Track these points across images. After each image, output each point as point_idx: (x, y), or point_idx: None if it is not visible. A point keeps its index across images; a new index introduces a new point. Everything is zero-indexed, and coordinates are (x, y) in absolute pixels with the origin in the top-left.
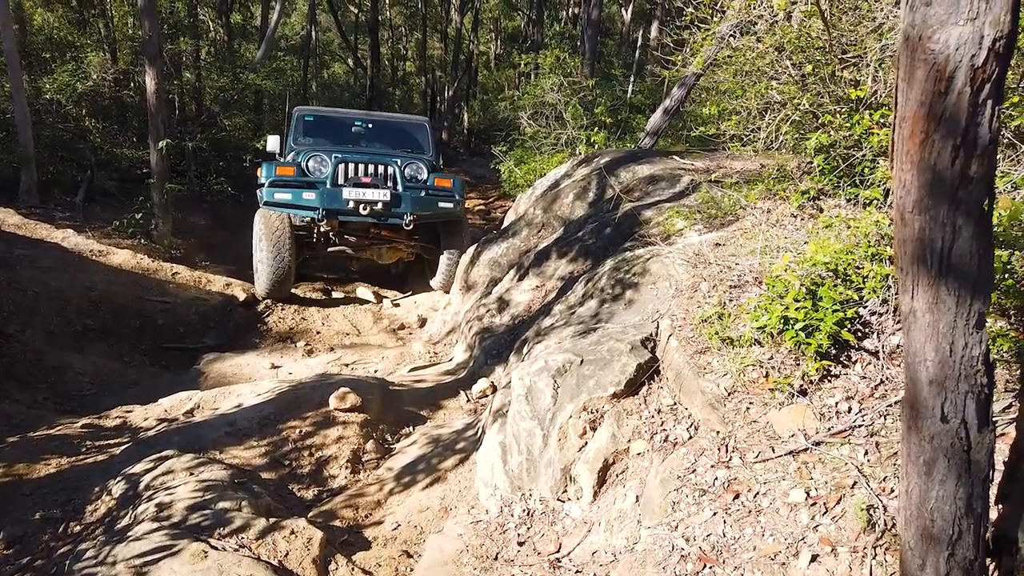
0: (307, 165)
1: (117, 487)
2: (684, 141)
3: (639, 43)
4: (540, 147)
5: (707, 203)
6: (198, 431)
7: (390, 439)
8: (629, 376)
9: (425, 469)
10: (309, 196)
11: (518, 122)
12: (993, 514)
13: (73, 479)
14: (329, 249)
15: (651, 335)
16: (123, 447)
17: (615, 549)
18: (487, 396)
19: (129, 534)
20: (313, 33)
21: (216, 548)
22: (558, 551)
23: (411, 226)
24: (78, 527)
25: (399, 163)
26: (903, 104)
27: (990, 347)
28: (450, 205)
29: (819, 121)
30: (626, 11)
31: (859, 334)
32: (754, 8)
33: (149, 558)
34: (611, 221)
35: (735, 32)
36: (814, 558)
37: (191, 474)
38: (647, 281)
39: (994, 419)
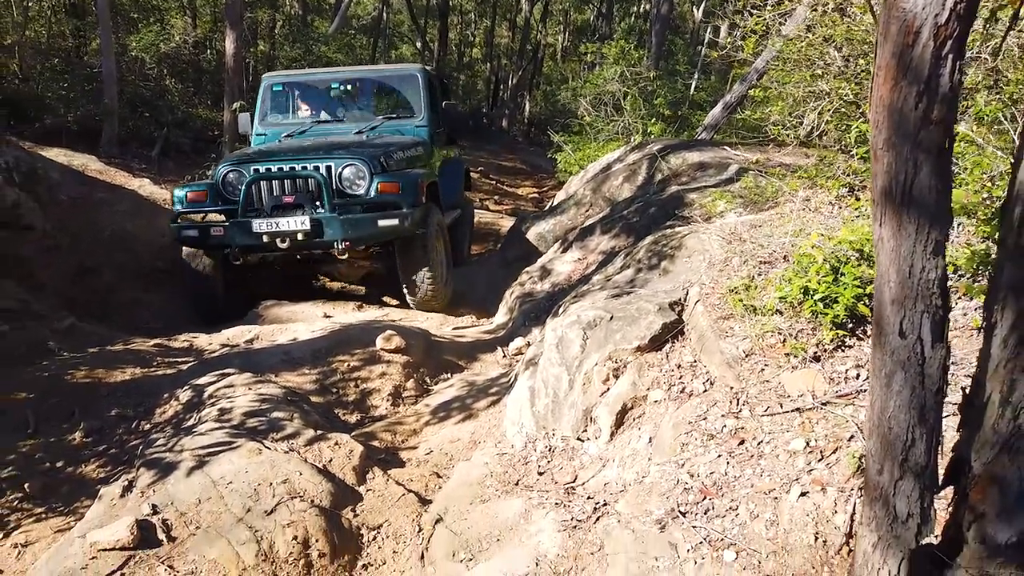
0: (224, 182)
1: (184, 394)
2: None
3: (706, 41)
4: (597, 135)
5: (750, 189)
6: (256, 357)
7: (429, 381)
8: (654, 332)
9: (459, 407)
10: (217, 232)
11: (578, 111)
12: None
13: (145, 386)
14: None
15: (680, 300)
16: (189, 364)
17: (625, 481)
18: (522, 353)
19: (194, 431)
20: (385, 14)
21: (269, 448)
22: (573, 481)
23: (345, 254)
24: (148, 425)
25: (332, 168)
26: (880, 56)
27: (947, 274)
28: (393, 222)
29: (861, 111)
30: (697, 9)
31: None
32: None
33: (211, 449)
34: (656, 202)
35: (783, 19)
36: (803, 494)
37: (249, 389)
38: (683, 254)
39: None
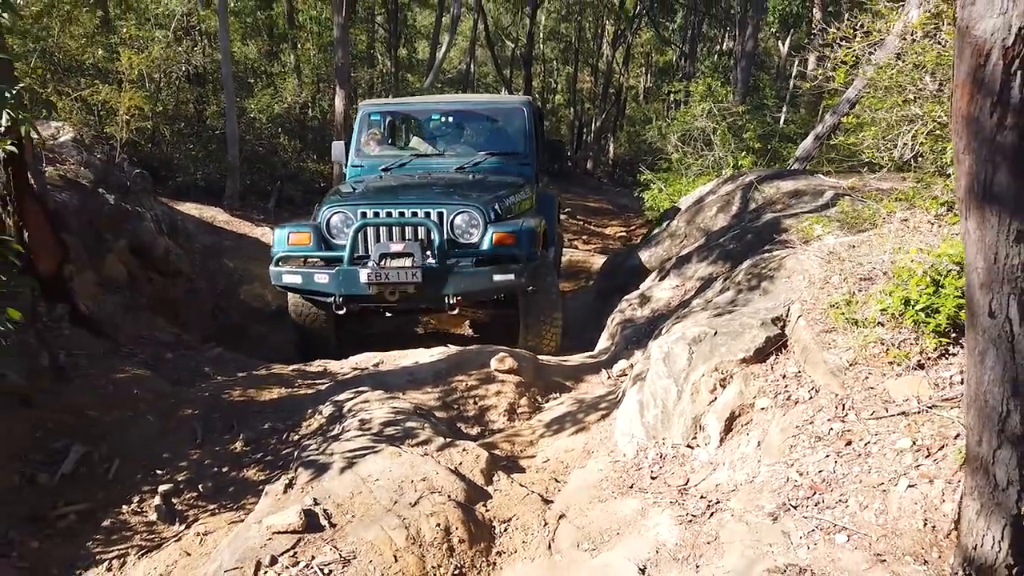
0: (329, 225)
1: (326, 408)
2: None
3: (794, 74)
4: (687, 170)
5: (846, 213)
6: (384, 378)
7: (540, 399)
8: (758, 345)
9: (571, 421)
10: (321, 279)
11: (664, 149)
12: None
13: (290, 404)
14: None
15: (781, 316)
16: (326, 384)
17: (736, 482)
18: (626, 375)
19: (340, 438)
20: (472, 67)
21: (406, 452)
22: (685, 484)
23: (456, 310)
24: (296, 436)
25: (444, 215)
26: (957, 75)
27: None
28: (509, 277)
29: None
30: (783, 44)
31: None
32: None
33: (357, 453)
34: (752, 229)
35: (872, 49)
36: (911, 486)
37: (383, 404)
38: (782, 275)
39: None
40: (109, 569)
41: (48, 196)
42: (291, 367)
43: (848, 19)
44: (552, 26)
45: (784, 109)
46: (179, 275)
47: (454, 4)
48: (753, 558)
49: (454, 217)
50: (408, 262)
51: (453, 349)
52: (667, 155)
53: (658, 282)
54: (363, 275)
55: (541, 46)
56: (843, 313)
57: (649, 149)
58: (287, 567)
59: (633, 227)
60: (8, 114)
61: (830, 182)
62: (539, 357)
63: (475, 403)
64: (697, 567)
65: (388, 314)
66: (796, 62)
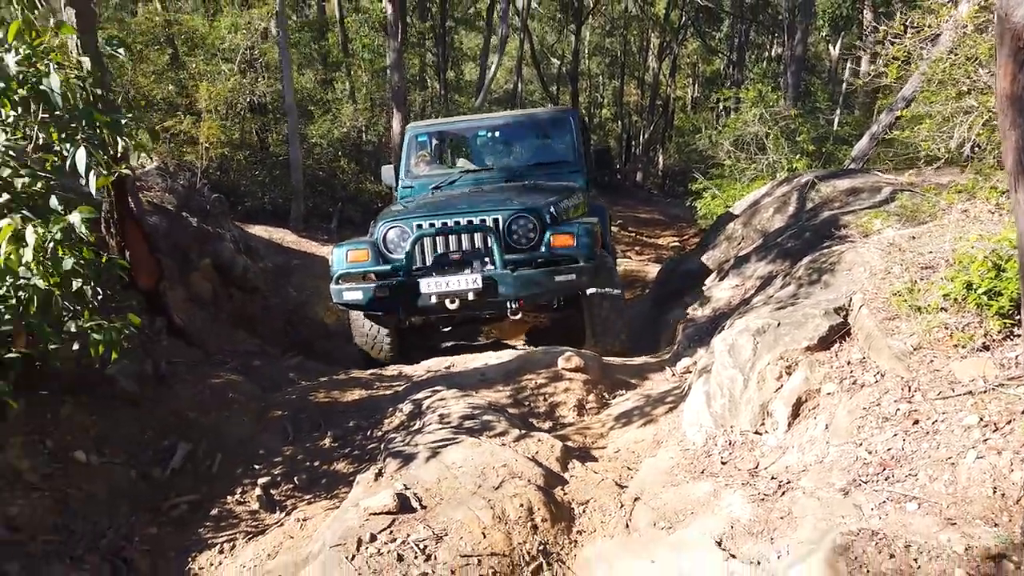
0: (385, 240)
1: (406, 406)
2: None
3: (846, 76)
4: (741, 175)
5: (905, 207)
6: (457, 378)
7: (607, 396)
8: (822, 334)
9: (639, 414)
10: (382, 294)
11: (716, 157)
12: None
13: (370, 403)
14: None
15: (844, 306)
16: (403, 386)
17: (806, 463)
18: (689, 372)
19: (422, 431)
20: (519, 85)
21: (485, 442)
22: (756, 467)
23: (519, 314)
24: (379, 432)
25: (500, 221)
26: (999, 58)
27: None
28: (571, 277)
29: None
30: (834, 47)
31: None
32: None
33: (439, 443)
34: (810, 227)
35: (924, 45)
36: (979, 457)
37: (458, 401)
38: (842, 268)
39: None
40: (221, 552)
41: (144, 219)
42: (369, 371)
43: (900, 17)
44: (597, 41)
45: (837, 112)
46: (256, 292)
47: (502, 25)
48: (825, 529)
49: (510, 223)
50: (467, 270)
51: (520, 351)
52: (719, 162)
53: (717, 283)
54: (423, 286)
55: (587, 61)
56: (906, 300)
57: (700, 158)
58: (385, 543)
59: (686, 236)
60: (124, 141)
61: (887, 178)
62: (603, 357)
63: (545, 400)
64: (772, 539)
65: (447, 328)
66: (848, 64)
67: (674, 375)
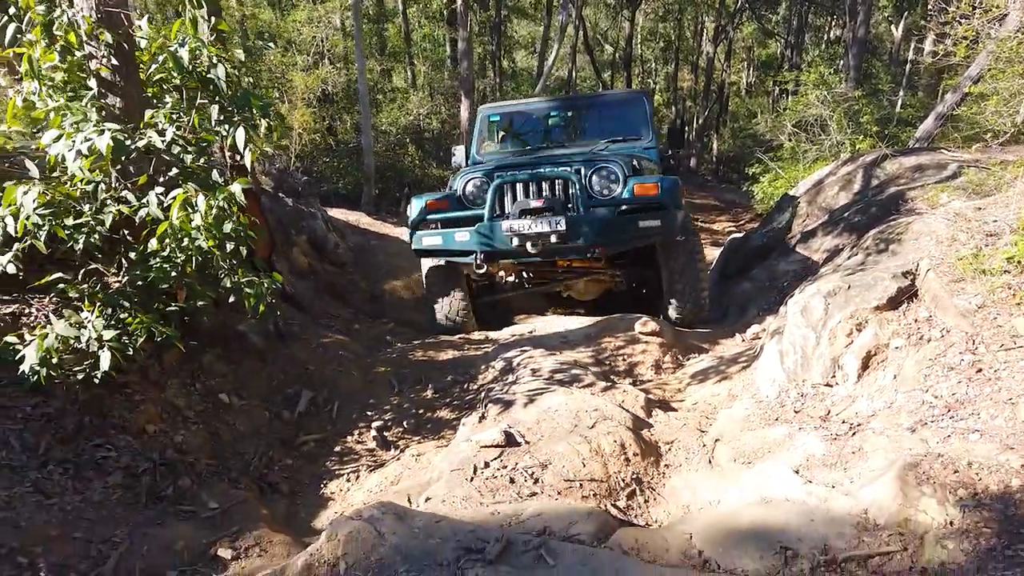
0: (465, 191)
1: (497, 363)
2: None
3: (910, 58)
4: (804, 156)
5: (972, 182)
6: (541, 340)
7: (681, 358)
8: (890, 295)
9: (714, 372)
10: (462, 237)
11: (774, 141)
12: None
13: (464, 361)
14: (507, 293)
15: (911, 270)
16: (492, 347)
17: (874, 409)
18: (758, 338)
19: (516, 383)
20: (573, 72)
21: (576, 391)
22: (827, 414)
23: (601, 260)
24: (475, 385)
25: (582, 172)
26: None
27: None
28: (655, 223)
29: None
30: (897, 28)
31: None
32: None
33: (534, 392)
34: (876, 202)
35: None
36: None
37: (546, 358)
38: (909, 237)
39: None
40: (348, 480)
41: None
42: (457, 336)
43: None
44: (650, 27)
45: (900, 93)
46: (344, 266)
47: (562, 12)
48: (894, 459)
49: (592, 174)
50: (550, 214)
51: (597, 317)
52: (778, 145)
53: (783, 257)
54: (504, 228)
55: (640, 47)
56: (971, 264)
57: (755, 143)
58: (498, 468)
59: (741, 222)
60: (268, 122)
61: (953, 155)
62: (673, 326)
63: (624, 360)
64: (845, 469)
65: (520, 290)
66: (911, 45)
67: (744, 340)
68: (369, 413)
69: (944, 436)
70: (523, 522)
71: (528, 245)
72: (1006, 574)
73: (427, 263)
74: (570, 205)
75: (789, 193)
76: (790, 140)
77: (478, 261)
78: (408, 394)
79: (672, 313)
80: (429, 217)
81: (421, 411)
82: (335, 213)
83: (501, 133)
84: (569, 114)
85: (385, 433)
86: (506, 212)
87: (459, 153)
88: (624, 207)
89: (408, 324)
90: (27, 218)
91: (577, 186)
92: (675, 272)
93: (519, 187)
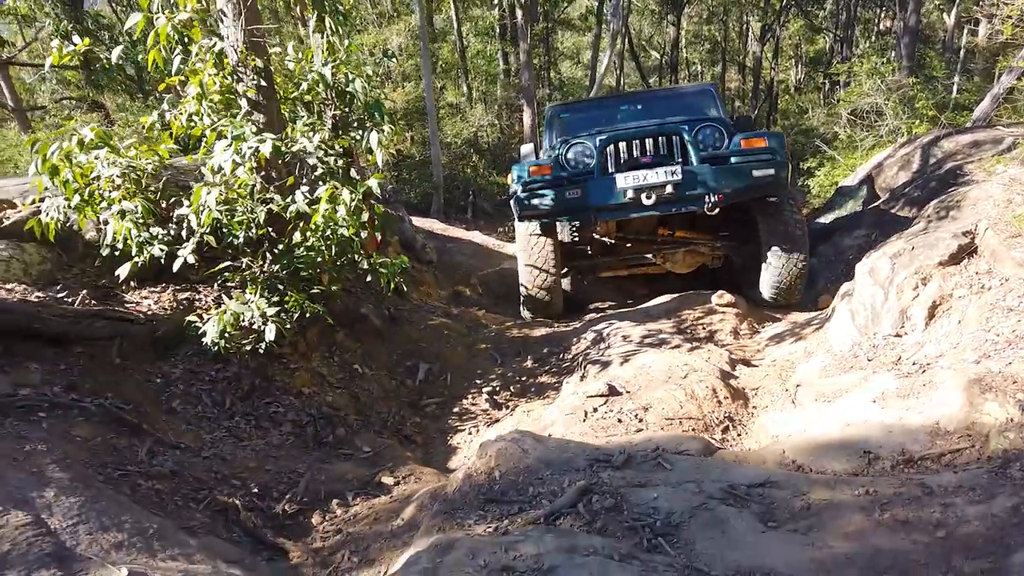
0: (567, 157)
1: (588, 335)
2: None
3: (963, 44)
4: (861, 143)
5: None
6: (625, 315)
7: (757, 326)
8: (952, 251)
9: (789, 335)
10: (573, 194)
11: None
12: None
13: (556, 336)
14: (604, 269)
15: (970, 230)
16: (580, 324)
17: (941, 350)
18: (827, 305)
19: (609, 348)
20: (621, 79)
21: (665, 351)
22: (898, 359)
23: (715, 210)
24: (569, 355)
25: (687, 129)
26: None
27: None
28: (769, 172)
29: None
30: (948, 16)
31: None
32: None
33: (627, 353)
34: (935, 177)
35: None
36: None
37: (633, 328)
38: (967, 203)
39: None
40: (469, 433)
41: None
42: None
43: None
44: (695, 30)
45: (955, 79)
46: (431, 264)
47: (613, 20)
48: (961, 387)
49: (697, 131)
50: (663, 167)
51: (675, 294)
52: (833, 136)
53: (847, 234)
54: (620, 181)
55: (685, 51)
56: None
57: (808, 137)
58: (605, 413)
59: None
60: (392, 127)
61: (1009, 131)
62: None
63: (703, 328)
64: (917, 397)
65: (623, 242)
66: (964, 31)
67: (815, 307)
68: (478, 381)
69: (1006, 363)
70: (636, 445)
71: (643, 197)
72: None
73: (522, 232)
74: (680, 159)
75: (845, 183)
76: (846, 130)
77: (592, 217)
78: (510, 365)
79: (766, 291)
80: (532, 180)
81: (524, 378)
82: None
83: (571, 126)
84: (639, 107)
85: (495, 396)
86: (618, 167)
87: (526, 150)
88: (735, 159)
89: (495, 309)
90: (209, 214)
91: (689, 138)
92: (776, 230)
93: (626, 145)
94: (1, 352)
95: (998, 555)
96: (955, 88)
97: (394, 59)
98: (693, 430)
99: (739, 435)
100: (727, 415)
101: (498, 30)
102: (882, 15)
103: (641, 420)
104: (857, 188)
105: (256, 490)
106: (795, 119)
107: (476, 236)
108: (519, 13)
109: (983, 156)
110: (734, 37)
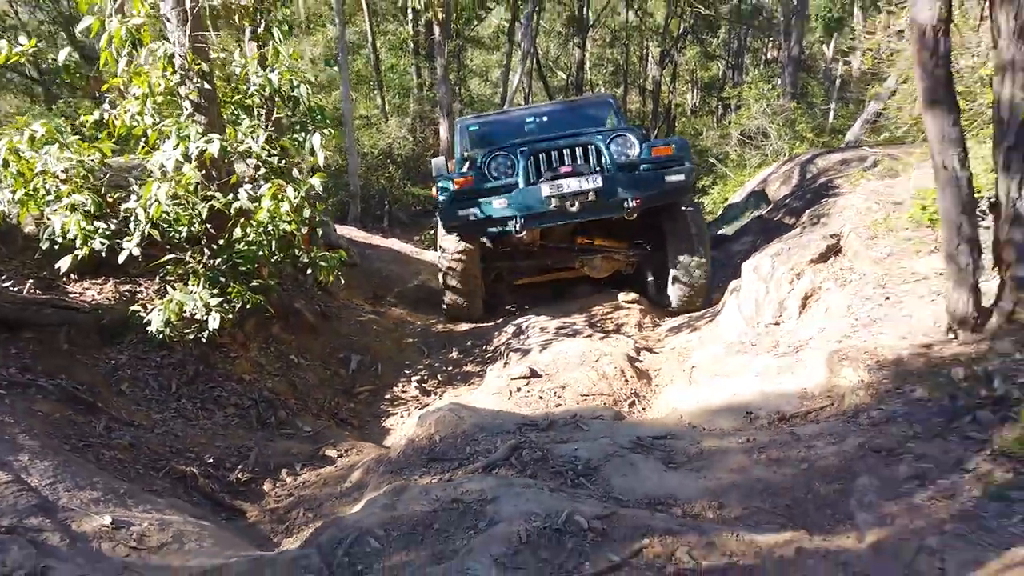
0: (489, 168)
1: (508, 328)
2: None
3: (839, 74)
4: (748, 163)
5: (885, 168)
6: (542, 312)
7: (658, 321)
8: (821, 251)
9: (686, 327)
10: (500, 204)
11: (720, 155)
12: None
13: (479, 331)
14: (523, 275)
15: (836, 233)
16: (501, 320)
17: (811, 334)
18: (717, 303)
19: (528, 339)
20: (529, 98)
21: (580, 340)
22: (776, 344)
23: (634, 215)
24: (491, 347)
25: (602, 139)
26: (909, 38)
27: (963, 132)
28: (680, 177)
29: None
30: (828, 48)
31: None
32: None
33: (545, 342)
34: (810, 190)
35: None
36: (928, 306)
37: (549, 321)
38: (835, 211)
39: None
40: (400, 417)
41: None
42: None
43: (876, 18)
44: (599, 53)
45: (832, 106)
46: (355, 266)
47: (524, 40)
48: (824, 359)
49: (611, 141)
50: (582, 175)
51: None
52: (724, 155)
53: (735, 240)
54: (544, 189)
55: (590, 72)
56: (881, 225)
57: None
58: (528, 391)
59: None
60: (330, 131)
61: (873, 151)
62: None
63: (611, 322)
64: (792, 373)
65: (539, 249)
66: (840, 62)
67: (709, 304)
68: (407, 371)
69: (862, 340)
70: (557, 415)
71: (567, 204)
72: (895, 403)
73: (449, 243)
74: (598, 168)
75: (734, 199)
76: (736, 149)
77: (518, 226)
78: (437, 356)
79: (673, 296)
80: (458, 192)
81: (450, 368)
82: None
83: (481, 139)
84: (544, 119)
85: (424, 384)
86: (540, 177)
87: (439, 162)
88: (647, 166)
89: (416, 311)
90: (159, 207)
91: (605, 149)
92: (680, 237)
93: (546, 156)
94: None
95: (847, 479)
96: (832, 113)
97: (335, 67)
98: (605, 404)
99: (643, 408)
100: (633, 392)
101: (412, 45)
102: (770, 45)
103: (560, 397)
104: (744, 202)
105: (211, 461)
106: (691, 140)
107: (394, 243)
108: (436, 30)
109: (851, 172)
110: (635, 61)
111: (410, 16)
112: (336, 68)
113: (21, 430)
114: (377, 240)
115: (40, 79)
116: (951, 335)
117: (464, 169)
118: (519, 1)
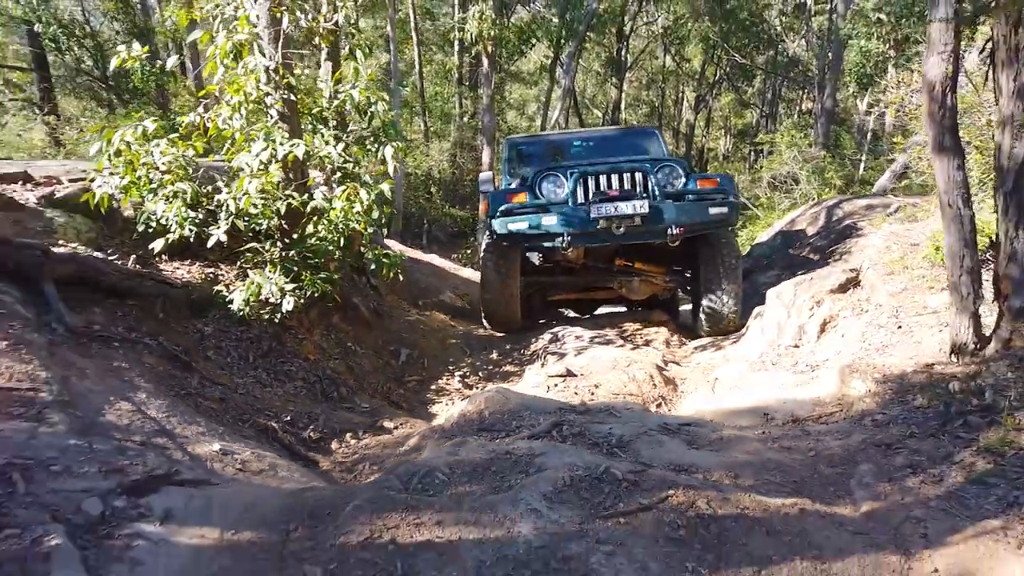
0: (541, 187)
1: (545, 335)
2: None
3: (871, 128)
4: (778, 206)
5: (906, 214)
6: (576, 324)
7: (685, 340)
8: (840, 282)
9: (711, 346)
10: (549, 221)
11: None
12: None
13: (517, 337)
14: (561, 291)
15: (856, 267)
16: (538, 330)
17: (828, 356)
18: (743, 325)
19: (564, 344)
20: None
21: (612, 348)
22: (795, 363)
23: (676, 242)
24: (529, 350)
25: (650, 167)
26: (921, 90)
27: (967, 176)
28: (724, 210)
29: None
30: (861, 102)
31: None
32: None
33: (580, 347)
34: (835, 231)
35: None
36: (935, 336)
37: (584, 331)
38: (856, 249)
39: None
40: (446, 405)
41: None
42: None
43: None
44: (635, 94)
45: (863, 158)
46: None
47: (565, 77)
48: (837, 373)
49: (658, 170)
50: (632, 199)
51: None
52: (755, 198)
53: (763, 273)
54: (593, 211)
55: (625, 112)
56: (898, 263)
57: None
58: (564, 387)
59: None
60: (402, 143)
61: (897, 199)
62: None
63: (641, 337)
64: (808, 387)
65: (581, 266)
66: (872, 116)
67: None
68: (451, 367)
69: (871, 367)
70: (591, 405)
71: (613, 226)
72: (897, 409)
73: (493, 253)
74: (645, 194)
75: (762, 238)
76: (766, 193)
77: (565, 243)
78: (478, 356)
79: (704, 322)
80: (511, 207)
81: (490, 367)
82: None
83: (529, 157)
84: (591, 143)
85: (466, 379)
86: (588, 199)
87: (485, 176)
88: (692, 196)
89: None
90: (248, 199)
91: (652, 177)
92: (712, 277)
93: (595, 179)
94: (69, 298)
95: (849, 465)
96: (862, 165)
97: (407, 88)
98: (633, 404)
99: (669, 410)
100: (660, 395)
101: (457, 75)
102: (804, 96)
103: (593, 393)
104: (771, 240)
105: (287, 419)
106: None
107: (434, 258)
108: (485, 61)
109: (874, 216)
110: (670, 104)
111: (456, 48)
112: (407, 89)
113: (136, 375)
114: (417, 254)
115: (107, 84)
116: (953, 357)
117: (514, 185)
118: (562, 40)
